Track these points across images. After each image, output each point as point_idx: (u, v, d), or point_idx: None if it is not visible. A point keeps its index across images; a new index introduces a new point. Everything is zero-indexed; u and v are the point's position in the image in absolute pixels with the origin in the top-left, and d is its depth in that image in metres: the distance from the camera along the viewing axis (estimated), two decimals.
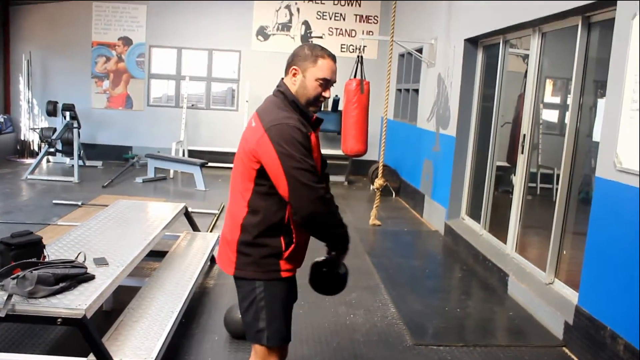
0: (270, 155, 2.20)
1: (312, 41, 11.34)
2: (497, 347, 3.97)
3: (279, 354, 2.45)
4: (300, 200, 2.21)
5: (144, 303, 3.48)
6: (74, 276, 2.90)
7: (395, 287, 5.03)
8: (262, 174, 2.27)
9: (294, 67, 2.35)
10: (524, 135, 5.39)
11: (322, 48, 2.37)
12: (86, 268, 3.03)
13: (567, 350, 3.95)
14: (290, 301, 2.49)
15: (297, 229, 2.35)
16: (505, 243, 5.66)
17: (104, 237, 3.88)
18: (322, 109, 10.67)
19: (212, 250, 4.87)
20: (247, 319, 2.44)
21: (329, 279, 2.55)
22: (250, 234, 2.33)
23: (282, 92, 2.37)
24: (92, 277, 3.01)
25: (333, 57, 2.37)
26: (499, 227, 5.98)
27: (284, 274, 2.38)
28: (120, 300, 3.83)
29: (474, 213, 6.70)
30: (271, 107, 2.34)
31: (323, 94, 2.36)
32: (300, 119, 2.31)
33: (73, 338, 3.53)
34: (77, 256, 3.19)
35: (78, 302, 2.69)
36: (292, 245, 2.35)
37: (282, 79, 2.41)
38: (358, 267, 5.53)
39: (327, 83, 2.34)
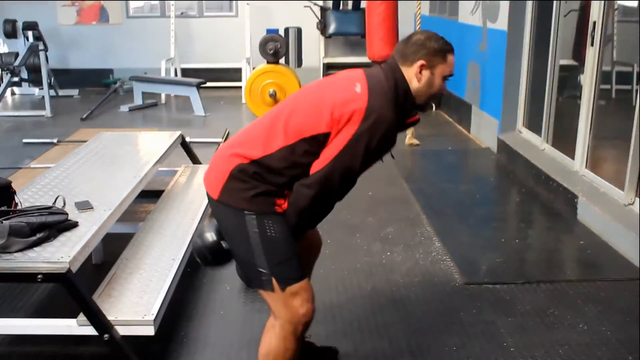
0: (349, 131, 2.28)
1: None
2: (566, 282, 3.97)
3: (300, 291, 2.43)
4: (314, 187, 2.33)
5: (140, 252, 3.53)
6: (53, 224, 2.93)
7: (439, 218, 5.04)
8: (321, 140, 2.32)
9: (422, 60, 2.40)
10: (594, 23, 5.21)
11: (445, 40, 2.47)
12: (67, 214, 3.07)
13: None
14: (292, 234, 2.49)
15: None
16: (573, 158, 5.59)
17: (86, 177, 3.92)
18: (342, 7, 10.46)
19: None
20: (240, 257, 2.47)
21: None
22: (254, 169, 2.35)
23: (396, 80, 2.40)
24: (74, 225, 3.05)
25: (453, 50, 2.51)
26: (565, 140, 5.90)
27: (279, 209, 2.40)
28: (111, 251, 3.89)
29: (534, 124, 6.60)
30: (382, 86, 2.37)
31: (443, 92, 2.50)
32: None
33: (59, 297, 3.61)
34: (55, 201, 3.23)
35: (60, 254, 2.73)
36: None
37: (397, 62, 2.44)
38: (394, 195, 5.55)
39: (447, 79, 2.48)
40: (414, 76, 2.41)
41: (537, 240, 4.69)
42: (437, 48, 2.42)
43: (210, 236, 2.54)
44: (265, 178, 2.35)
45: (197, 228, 2.59)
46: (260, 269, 2.39)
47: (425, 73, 2.41)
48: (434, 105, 9.24)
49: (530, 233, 4.83)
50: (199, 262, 2.62)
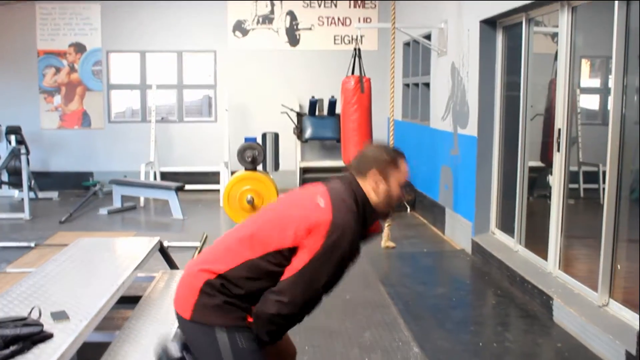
0: (316, 244, 2.31)
1: (299, 34, 11.38)
2: None
3: None
4: (283, 294, 2.32)
5: None
6: (27, 336, 2.85)
7: (417, 322, 4.97)
8: (285, 255, 2.34)
9: (375, 171, 2.48)
10: (559, 130, 5.35)
11: (396, 149, 2.58)
12: (42, 325, 2.99)
13: None
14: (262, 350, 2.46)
15: None
16: (545, 259, 5.61)
17: (63, 284, 3.84)
18: (317, 113, 10.68)
19: None
20: None
21: None
22: (221, 282, 2.37)
23: (355, 193, 2.46)
24: (49, 336, 2.97)
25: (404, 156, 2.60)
26: (537, 241, 5.93)
27: (250, 325, 2.40)
28: None
29: (506, 225, 6.65)
30: (344, 200, 2.41)
31: (401, 198, 2.56)
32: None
33: None
34: (31, 312, 3.14)
35: None
36: None
37: (354, 177, 2.51)
38: (371, 299, 5.48)
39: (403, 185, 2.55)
40: (372, 190, 2.48)
41: (515, 344, 4.62)
42: (387, 159, 2.49)
43: (175, 351, 2.48)
44: (233, 292, 2.35)
45: (161, 338, 2.55)
46: None
47: (382, 185, 2.47)
48: (408, 207, 9.32)
49: (507, 336, 4.77)
50: None
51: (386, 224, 7.27)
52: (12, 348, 2.74)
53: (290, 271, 2.33)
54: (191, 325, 2.40)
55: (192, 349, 2.44)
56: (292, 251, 2.33)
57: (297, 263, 2.32)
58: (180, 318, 2.45)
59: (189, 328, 2.43)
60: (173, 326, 3.92)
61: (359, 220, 2.41)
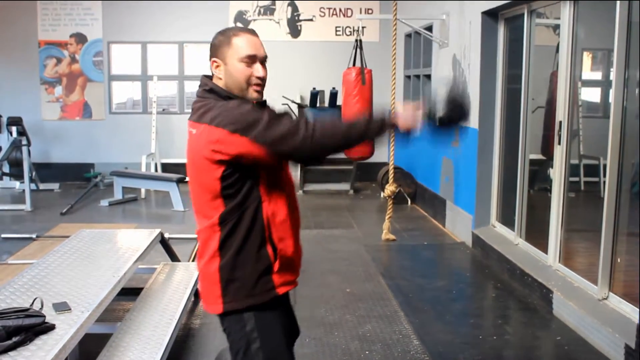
0: (229, 140, 2.22)
1: (300, 25, 11.37)
2: None
3: None
4: (293, 152, 2.25)
5: (117, 353, 3.45)
6: (29, 327, 2.87)
7: (416, 314, 5.00)
8: (229, 176, 2.28)
9: (213, 59, 2.41)
10: (560, 122, 5.36)
11: (236, 27, 2.46)
12: (44, 316, 3.00)
13: None
14: (290, 334, 2.50)
15: (276, 232, 2.36)
16: (546, 253, 5.63)
17: (65, 276, 3.85)
18: (318, 104, 10.68)
19: (196, 282, 4.83)
20: None
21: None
22: (232, 252, 2.33)
23: (210, 90, 2.40)
24: (52, 327, 2.98)
25: (251, 31, 2.44)
26: (537, 234, 5.95)
27: (280, 290, 2.38)
28: (88, 351, 3.78)
29: (507, 218, 6.67)
30: (204, 108, 2.35)
31: (254, 73, 2.38)
32: None
33: None
34: (33, 303, 3.17)
35: (36, 359, 2.66)
36: (279, 252, 2.37)
37: (204, 76, 2.47)
38: (371, 292, 5.50)
39: (253, 60, 2.37)
40: (216, 77, 2.42)
41: (515, 337, 4.65)
42: (220, 40, 2.40)
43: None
44: (246, 247, 2.32)
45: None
46: None
47: (221, 68, 2.39)
48: (409, 199, 9.34)
49: (507, 329, 4.79)
50: None
51: (387, 217, 7.28)
52: (14, 339, 2.76)
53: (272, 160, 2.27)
54: (226, 317, 2.39)
55: (228, 339, 2.43)
56: (228, 173, 2.28)
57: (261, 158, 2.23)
58: (219, 317, 2.44)
59: (224, 322, 2.41)
60: (174, 318, 3.96)
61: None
